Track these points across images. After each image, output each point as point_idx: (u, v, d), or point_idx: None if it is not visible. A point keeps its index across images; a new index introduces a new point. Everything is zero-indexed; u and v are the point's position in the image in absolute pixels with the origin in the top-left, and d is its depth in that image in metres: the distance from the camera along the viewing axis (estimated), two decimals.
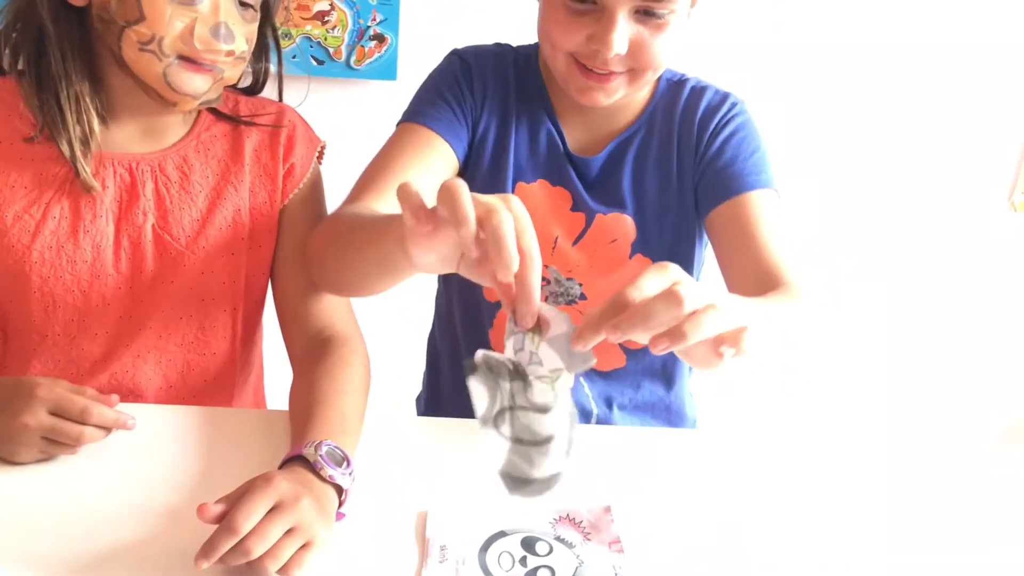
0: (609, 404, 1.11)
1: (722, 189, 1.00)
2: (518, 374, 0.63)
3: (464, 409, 0.88)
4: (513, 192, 1.01)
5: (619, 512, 0.78)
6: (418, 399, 1.28)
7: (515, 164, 1.03)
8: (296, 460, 0.74)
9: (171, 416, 0.89)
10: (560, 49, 0.92)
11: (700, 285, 0.63)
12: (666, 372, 1.13)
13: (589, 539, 0.75)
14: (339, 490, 0.73)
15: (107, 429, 0.78)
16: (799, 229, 2.01)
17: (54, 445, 0.76)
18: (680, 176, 1.03)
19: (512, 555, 0.72)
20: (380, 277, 0.80)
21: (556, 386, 0.62)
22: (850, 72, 2.00)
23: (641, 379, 1.12)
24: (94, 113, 0.89)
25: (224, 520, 0.64)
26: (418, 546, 0.72)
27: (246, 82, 1.01)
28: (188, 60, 0.86)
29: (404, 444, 0.86)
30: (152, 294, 0.94)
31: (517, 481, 0.64)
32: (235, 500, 0.66)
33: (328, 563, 0.69)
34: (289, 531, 0.65)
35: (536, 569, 0.70)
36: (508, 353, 0.63)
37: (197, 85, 0.87)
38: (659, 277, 0.61)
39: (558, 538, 0.74)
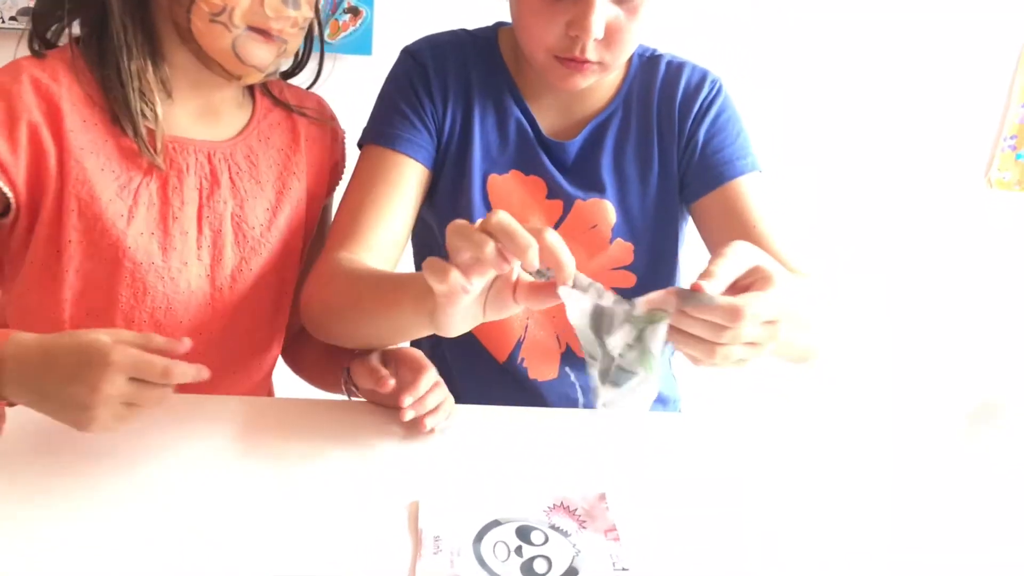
0: (594, 392, 1.09)
1: (710, 177, 0.99)
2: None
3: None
4: (484, 186, 1.00)
5: (613, 499, 0.77)
6: None
7: (484, 157, 1.00)
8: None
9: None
10: (540, 45, 0.90)
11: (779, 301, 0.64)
12: None
13: (584, 527, 0.73)
14: None
15: None
16: (784, 205, 2.01)
17: (133, 408, 0.70)
18: (662, 158, 1.01)
19: (507, 545, 0.70)
20: (392, 340, 0.87)
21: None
22: (828, 52, 2.00)
23: None
24: (155, 90, 0.88)
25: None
26: (411, 538, 0.70)
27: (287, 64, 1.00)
28: (257, 31, 0.86)
29: (391, 434, 0.84)
30: (232, 282, 0.95)
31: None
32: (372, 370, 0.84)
33: (320, 558, 0.67)
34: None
35: (532, 559, 0.69)
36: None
37: (263, 56, 0.87)
38: (768, 307, 0.63)
39: (553, 527, 0.73)
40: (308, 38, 0.99)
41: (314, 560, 0.67)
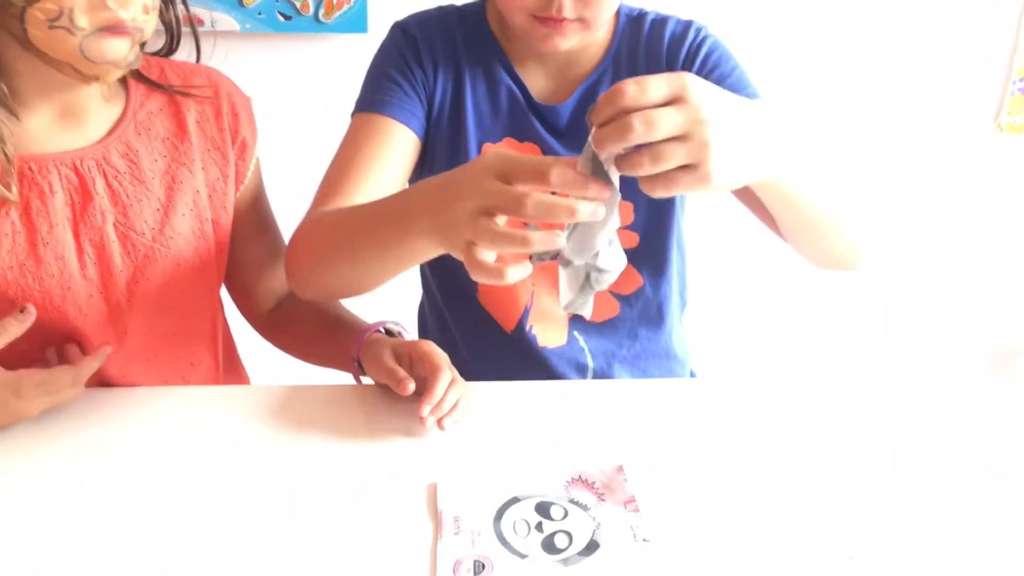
0: (606, 357, 1.09)
1: None
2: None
3: (453, 365, 0.87)
4: (479, 154, 0.98)
5: (631, 470, 0.77)
6: None
7: (477, 126, 1.00)
8: (377, 335, 0.91)
9: (163, 397, 0.87)
10: (518, 6, 0.89)
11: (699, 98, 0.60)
12: (660, 315, 1.12)
13: (603, 500, 0.73)
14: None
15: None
16: None
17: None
18: None
19: (528, 522, 0.70)
20: (400, 266, 0.79)
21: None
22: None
23: (637, 327, 1.10)
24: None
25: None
26: (431, 519, 0.70)
27: (158, 43, 0.92)
28: (105, 28, 0.76)
29: (407, 416, 0.84)
30: (129, 296, 0.89)
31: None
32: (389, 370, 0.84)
33: (340, 543, 0.67)
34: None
35: (553, 534, 0.69)
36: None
37: (118, 50, 0.78)
38: (664, 85, 0.59)
39: (572, 501, 0.73)
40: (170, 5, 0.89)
41: (334, 545, 0.67)
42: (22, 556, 0.65)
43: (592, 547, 0.68)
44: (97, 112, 0.88)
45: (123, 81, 0.91)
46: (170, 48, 0.93)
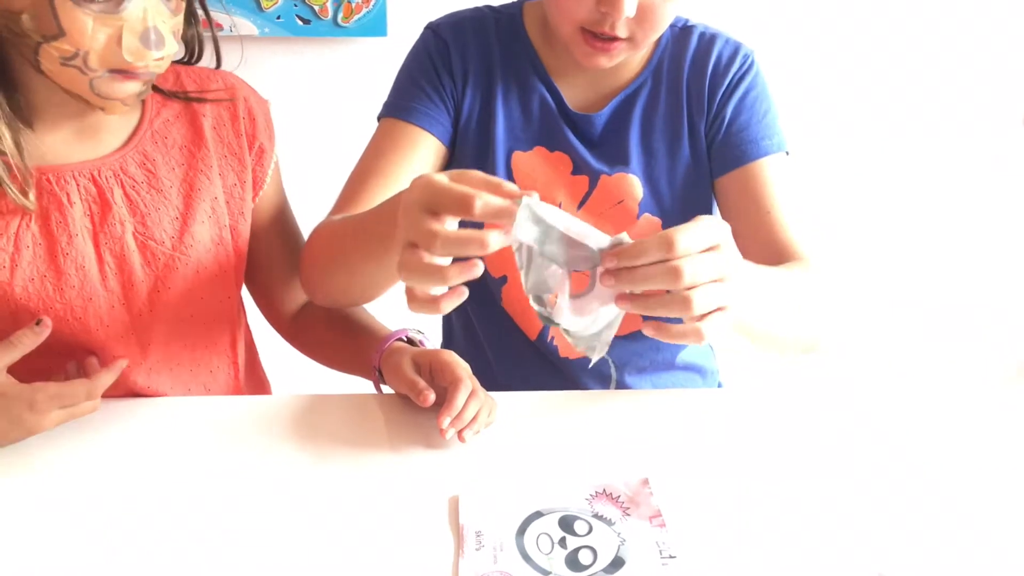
0: (629, 368, 1.08)
1: (733, 156, 0.96)
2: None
3: (477, 373, 0.86)
4: (509, 163, 0.98)
5: (657, 484, 0.75)
6: None
7: (508, 134, 0.98)
8: (398, 343, 0.90)
9: (183, 407, 0.87)
10: (569, 17, 0.87)
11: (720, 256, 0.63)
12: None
13: (628, 514, 0.72)
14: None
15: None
16: (812, 158, 1.97)
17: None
18: (691, 132, 0.99)
19: (551, 537, 0.69)
20: (380, 276, 0.80)
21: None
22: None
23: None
24: (4, 124, 0.79)
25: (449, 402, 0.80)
26: (452, 534, 0.69)
27: (179, 53, 0.91)
28: (118, 71, 0.77)
29: (428, 428, 0.83)
30: (151, 306, 0.89)
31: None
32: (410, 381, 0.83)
33: (360, 557, 0.66)
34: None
35: (577, 550, 0.68)
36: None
37: (128, 90, 0.79)
38: (701, 236, 0.62)
39: (596, 515, 0.72)
40: (194, 19, 0.89)
41: (354, 559, 0.66)
42: (46, 567, 0.64)
43: (617, 564, 0.66)
44: (114, 123, 0.88)
45: None
46: (190, 60, 0.94)
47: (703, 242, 0.62)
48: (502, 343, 1.07)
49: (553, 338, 1.05)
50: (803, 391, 0.93)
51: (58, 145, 0.85)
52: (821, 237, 0.97)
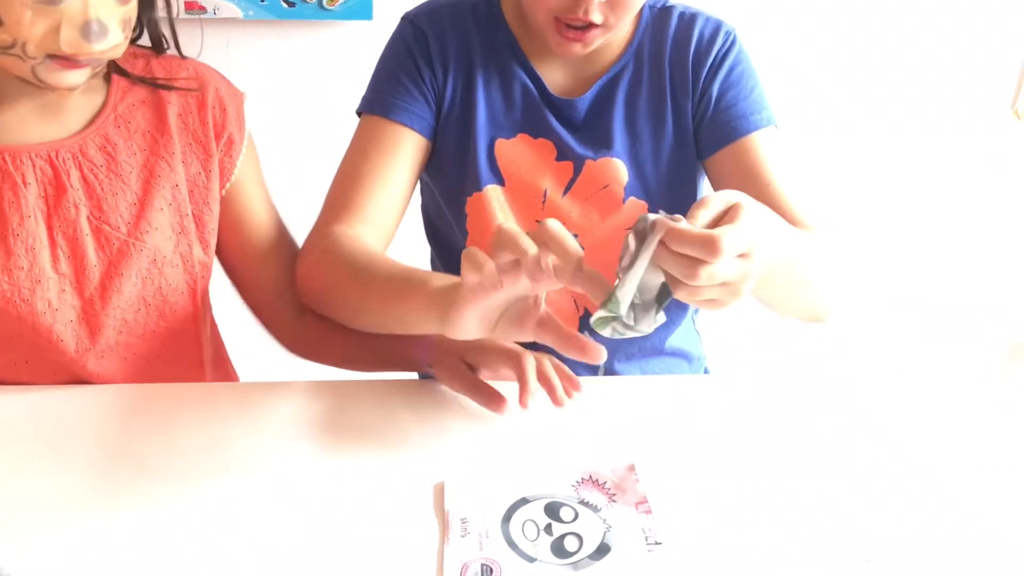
0: (618, 355, 1.07)
1: (723, 133, 0.96)
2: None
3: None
4: (492, 151, 0.97)
5: (643, 470, 0.75)
6: None
7: (489, 123, 0.97)
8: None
9: (141, 394, 0.86)
10: (542, 7, 0.87)
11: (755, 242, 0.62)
12: (673, 315, 1.09)
13: (614, 500, 0.71)
14: None
15: None
16: (801, 146, 1.96)
17: None
18: (676, 113, 0.98)
19: (536, 523, 0.68)
20: (393, 330, 0.82)
21: None
22: None
23: None
24: None
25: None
26: (437, 520, 0.69)
27: (127, 41, 0.88)
28: (58, 58, 0.76)
29: (413, 414, 0.83)
30: (103, 291, 0.87)
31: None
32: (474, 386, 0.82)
33: (345, 543, 0.65)
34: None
35: (563, 537, 0.67)
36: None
37: (73, 79, 0.78)
38: (741, 242, 0.60)
39: (582, 502, 0.71)
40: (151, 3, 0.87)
41: (339, 545, 0.65)
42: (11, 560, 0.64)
43: (603, 550, 0.66)
44: (76, 103, 0.86)
45: (104, 75, 0.89)
46: (158, 48, 0.92)
47: (741, 248, 0.60)
48: None
49: None
50: (790, 377, 0.93)
51: (17, 124, 0.84)
52: (823, 207, 0.96)
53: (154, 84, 0.90)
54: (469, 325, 0.66)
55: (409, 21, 0.99)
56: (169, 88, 0.90)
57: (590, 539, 0.67)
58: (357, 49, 1.84)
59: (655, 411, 0.86)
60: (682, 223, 0.60)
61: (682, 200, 1.01)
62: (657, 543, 0.67)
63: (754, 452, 0.79)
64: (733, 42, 0.98)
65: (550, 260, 0.61)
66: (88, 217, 0.85)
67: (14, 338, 0.85)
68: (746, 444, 0.80)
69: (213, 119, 0.92)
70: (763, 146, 0.95)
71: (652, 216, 0.61)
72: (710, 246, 0.58)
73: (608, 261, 0.97)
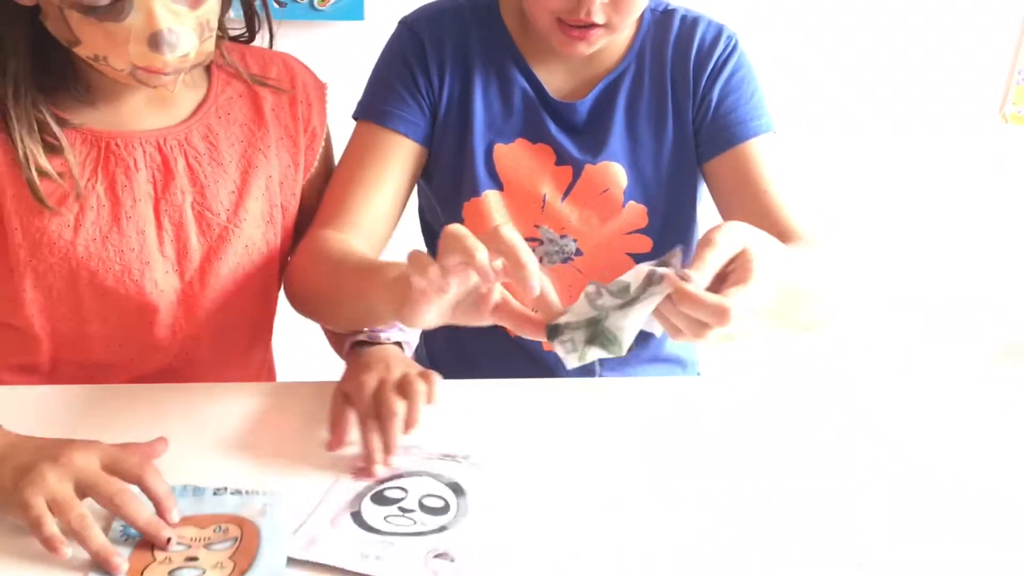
0: (613, 362, 1.05)
1: (722, 138, 0.96)
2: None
3: (458, 366, 0.84)
4: (490, 157, 0.97)
5: (637, 470, 0.74)
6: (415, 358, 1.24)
7: (488, 128, 0.97)
8: (356, 346, 0.86)
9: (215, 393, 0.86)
10: (544, 9, 0.87)
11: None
12: None
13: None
14: (399, 345, 0.87)
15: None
16: (793, 150, 1.97)
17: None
18: (676, 117, 0.98)
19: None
20: (363, 323, 0.86)
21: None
22: None
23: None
24: (53, 121, 0.81)
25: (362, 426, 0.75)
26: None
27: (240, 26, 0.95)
28: (143, 69, 0.78)
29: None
30: (202, 275, 0.90)
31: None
32: (342, 422, 0.77)
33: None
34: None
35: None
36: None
37: (161, 82, 0.81)
38: (752, 301, 0.61)
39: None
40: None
41: None
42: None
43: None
44: (182, 95, 0.90)
45: (206, 67, 0.92)
46: (248, 38, 0.96)
47: (750, 308, 0.60)
48: (484, 337, 1.05)
49: None
50: (781, 380, 0.93)
51: (130, 113, 0.87)
52: (819, 214, 0.96)
53: (251, 79, 0.93)
54: (423, 319, 0.67)
55: (406, 26, 0.99)
56: (264, 85, 0.94)
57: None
58: (348, 50, 1.83)
59: (649, 413, 0.85)
60: (691, 285, 0.59)
61: (681, 204, 1.01)
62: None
63: (742, 454, 0.79)
64: (735, 47, 0.98)
65: (498, 264, 0.61)
66: (192, 203, 0.89)
67: (119, 317, 0.89)
68: (735, 446, 0.80)
69: (303, 114, 0.96)
70: (761, 152, 0.95)
71: (662, 270, 0.61)
72: (721, 315, 0.58)
73: (606, 265, 0.97)
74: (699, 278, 0.60)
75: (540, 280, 0.61)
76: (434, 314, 0.66)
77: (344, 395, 0.80)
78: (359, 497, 0.70)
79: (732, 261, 0.62)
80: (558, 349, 0.65)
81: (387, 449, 0.73)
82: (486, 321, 0.68)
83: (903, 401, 0.89)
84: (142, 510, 0.63)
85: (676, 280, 0.59)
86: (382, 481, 0.72)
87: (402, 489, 0.71)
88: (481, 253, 0.60)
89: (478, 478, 0.73)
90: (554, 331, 0.65)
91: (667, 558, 0.65)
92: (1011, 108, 2.11)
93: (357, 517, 0.68)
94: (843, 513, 0.71)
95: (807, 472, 0.77)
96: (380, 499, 0.70)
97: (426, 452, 0.76)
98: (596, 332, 0.63)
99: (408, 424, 0.73)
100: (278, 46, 0.99)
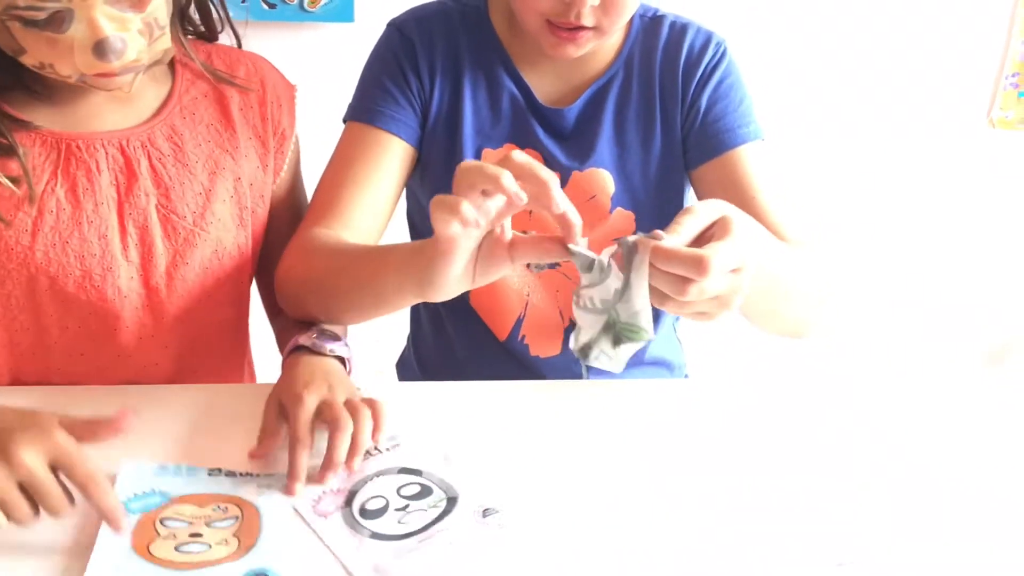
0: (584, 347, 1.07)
1: (710, 146, 0.96)
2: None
3: (447, 371, 0.84)
4: (480, 160, 0.96)
5: (628, 471, 0.75)
6: (402, 362, 1.24)
7: (477, 132, 0.97)
8: (297, 350, 0.82)
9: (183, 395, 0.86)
10: (533, 9, 0.86)
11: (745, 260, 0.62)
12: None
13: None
14: (342, 361, 0.83)
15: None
16: (779, 155, 1.97)
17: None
18: (665, 124, 0.98)
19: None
20: (372, 312, 0.84)
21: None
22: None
23: None
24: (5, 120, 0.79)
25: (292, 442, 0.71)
26: None
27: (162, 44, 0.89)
28: (91, 75, 0.77)
29: None
30: (168, 280, 0.88)
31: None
32: (274, 433, 0.74)
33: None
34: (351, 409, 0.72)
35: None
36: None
37: (113, 85, 0.79)
38: (732, 259, 0.61)
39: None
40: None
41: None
42: None
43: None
44: (144, 93, 0.88)
45: (170, 64, 0.90)
46: (210, 38, 0.93)
47: (731, 265, 0.61)
48: (472, 342, 1.06)
49: (524, 336, 1.04)
50: (766, 381, 0.93)
51: (88, 113, 0.85)
52: (808, 220, 0.96)
53: (217, 77, 0.91)
54: (451, 281, 0.66)
55: (396, 28, 0.98)
56: (231, 84, 0.92)
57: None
58: (338, 51, 1.84)
59: (636, 415, 0.85)
60: (665, 240, 0.60)
61: (668, 211, 1.01)
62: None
63: (727, 456, 0.79)
64: (723, 54, 0.98)
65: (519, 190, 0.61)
66: (157, 206, 0.87)
67: (79, 326, 0.86)
68: (720, 448, 0.80)
69: (272, 115, 0.94)
70: (749, 160, 0.95)
71: (632, 238, 0.61)
72: (699, 265, 0.58)
73: None
74: (675, 240, 0.60)
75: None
76: (458, 275, 0.66)
77: (280, 405, 0.76)
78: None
79: (711, 227, 0.63)
80: (597, 365, 0.66)
81: (332, 467, 0.70)
82: (508, 265, 0.68)
83: (895, 403, 0.90)
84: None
85: (648, 240, 0.60)
86: (349, 499, 0.69)
87: (381, 497, 0.70)
88: (507, 176, 0.59)
89: (465, 481, 0.73)
90: (583, 352, 0.65)
91: (655, 559, 0.65)
92: (999, 113, 2.12)
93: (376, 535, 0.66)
94: (832, 514, 0.71)
95: (796, 473, 0.77)
96: (366, 513, 0.69)
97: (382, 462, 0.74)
98: (617, 332, 0.64)
99: (352, 453, 0.70)
100: (269, 47, 0.99)
